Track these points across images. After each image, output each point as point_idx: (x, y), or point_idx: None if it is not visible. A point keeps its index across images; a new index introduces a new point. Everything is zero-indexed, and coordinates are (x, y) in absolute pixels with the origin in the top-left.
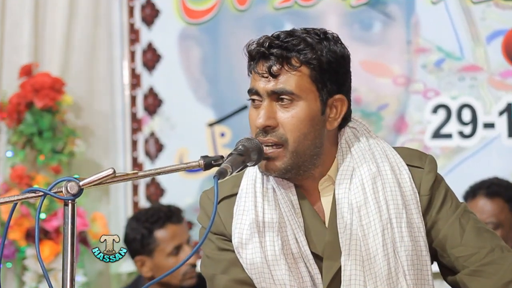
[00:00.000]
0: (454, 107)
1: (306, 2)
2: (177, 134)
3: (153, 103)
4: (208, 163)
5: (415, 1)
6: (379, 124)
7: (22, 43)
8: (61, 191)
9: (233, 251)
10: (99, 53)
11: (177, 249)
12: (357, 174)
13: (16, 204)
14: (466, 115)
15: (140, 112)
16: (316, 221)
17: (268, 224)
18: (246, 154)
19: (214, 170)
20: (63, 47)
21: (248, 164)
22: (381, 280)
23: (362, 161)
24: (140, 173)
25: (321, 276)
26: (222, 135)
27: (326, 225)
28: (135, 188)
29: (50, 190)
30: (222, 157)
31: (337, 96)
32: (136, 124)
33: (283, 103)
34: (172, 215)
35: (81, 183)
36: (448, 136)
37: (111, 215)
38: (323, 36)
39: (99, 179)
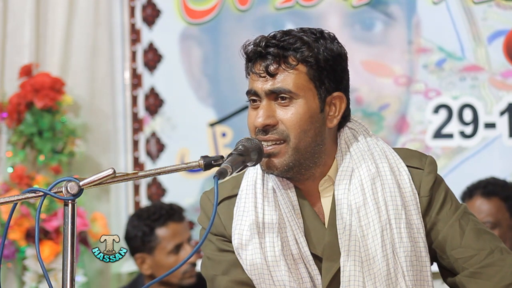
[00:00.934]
0: (455, 107)
1: (307, 2)
2: (178, 134)
3: (154, 103)
4: (208, 163)
5: (416, 1)
6: (380, 124)
7: (23, 43)
8: (61, 191)
9: (233, 252)
10: (100, 53)
11: (178, 248)
12: (356, 174)
13: (16, 204)
14: (467, 115)
15: (141, 112)
16: (316, 222)
17: (268, 225)
18: (246, 154)
19: (215, 170)
20: (64, 47)
21: (248, 164)
22: (380, 281)
23: (361, 161)
24: (140, 173)
25: (321, 277)
26: (223, 135)
27: (326, 226)
28: (136, 188)
29: (50, 190)
30: (222, 157)
31: (336, 94)
32: (137, 124)
33: (282, 102)
34: (174, 213)
35: (81, 183)
36: (449, 136)
37: (112, 215)
38: (319, 35)
39: (99, 179)
